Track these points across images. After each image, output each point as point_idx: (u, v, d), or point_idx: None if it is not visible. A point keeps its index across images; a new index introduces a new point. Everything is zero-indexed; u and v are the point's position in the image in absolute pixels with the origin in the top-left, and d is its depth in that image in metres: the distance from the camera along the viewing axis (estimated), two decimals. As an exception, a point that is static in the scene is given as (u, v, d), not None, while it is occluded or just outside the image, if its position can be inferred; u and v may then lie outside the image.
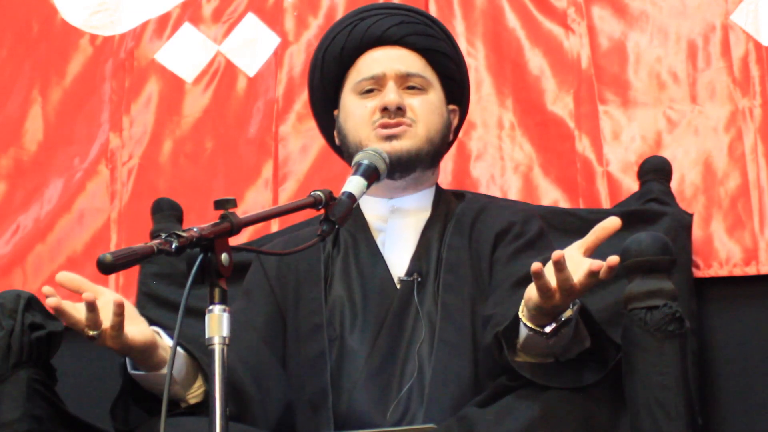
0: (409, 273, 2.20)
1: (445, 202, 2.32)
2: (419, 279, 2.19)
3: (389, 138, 2.22)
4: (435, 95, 2.30)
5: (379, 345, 2.15)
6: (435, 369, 2.09)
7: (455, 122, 2.37)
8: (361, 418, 2.08)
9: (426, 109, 2.26)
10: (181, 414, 2.00)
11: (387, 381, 2.11)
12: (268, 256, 2.32)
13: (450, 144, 2.41)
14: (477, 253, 2.22)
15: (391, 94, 2.24)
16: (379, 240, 2.28)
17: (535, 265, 1.77)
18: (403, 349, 2.13)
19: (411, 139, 2.23)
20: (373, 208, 2.30)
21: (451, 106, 2.36)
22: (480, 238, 2.23)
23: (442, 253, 2.22)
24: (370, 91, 2.28)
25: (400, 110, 2.24)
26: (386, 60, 2.29)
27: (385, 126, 2.23)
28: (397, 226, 2.28)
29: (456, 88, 2.35)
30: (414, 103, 2.26)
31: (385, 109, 2.24)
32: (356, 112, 2.28)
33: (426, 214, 2.29)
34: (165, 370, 1.95)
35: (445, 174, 2.75)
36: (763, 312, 2.58)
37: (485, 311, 2.10)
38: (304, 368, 2.18)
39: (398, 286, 2.20)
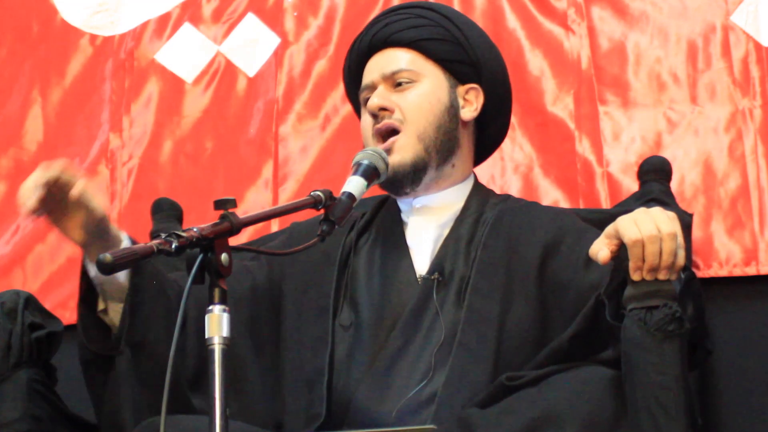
0: (430, 271, 2.17)
1: (481, 201, 2.28)
2: (440, 278, 2.17)
3: (387, 152, 2.21)
4: (429, 83, 2.27)
5: (392, 341, 2.13)
6: (450, 374, 2.05)
7: (477, 101, 2.31)
8: (364, 413, 2.07)
9: (415, 103, 2.24)
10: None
11: (394, 379, 2.10)
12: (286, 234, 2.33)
13: (488, 121, 2.34)
14: (516, 258, 2.16)
15: (373, 99, 2.24)
16: (407, 235, 2.27)
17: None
18: (416, 348, 2.11)
19: (400, 152, 2.20)
20: (402, 206, 2.30)
21: (466, 86, 2.30)
22: (521, 243, 2.18)
23: (472, 252, 2.18)
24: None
25: (385, 110, 2.23)
26: (375, 66, 2.29)
27: (377, 132, 2.23)
28: (420, 223, 2.26)
29: (466, 69, 2.30)
30: (401, 101, 2.24)
31: (374, 115, 2.25)
32: (363, 125, 2.29)
33: (454, 212, 2.26)
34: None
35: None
36: (763, 312, 2.58)
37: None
38: (304, 349, 2.17)
39: (419, 283, 2.18)
